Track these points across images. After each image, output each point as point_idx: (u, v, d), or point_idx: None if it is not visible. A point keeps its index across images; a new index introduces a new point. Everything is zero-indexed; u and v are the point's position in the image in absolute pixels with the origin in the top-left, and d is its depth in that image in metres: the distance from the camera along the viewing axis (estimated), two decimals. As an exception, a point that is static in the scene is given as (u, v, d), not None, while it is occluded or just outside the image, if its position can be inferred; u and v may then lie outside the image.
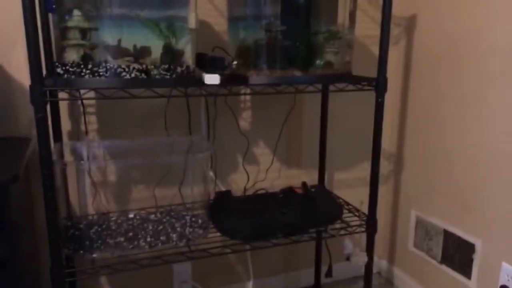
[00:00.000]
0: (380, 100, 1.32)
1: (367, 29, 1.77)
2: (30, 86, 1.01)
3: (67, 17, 1.08)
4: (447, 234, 1.70)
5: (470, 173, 1.57)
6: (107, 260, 1.21)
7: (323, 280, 1.85)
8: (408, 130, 1.87)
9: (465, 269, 1.63)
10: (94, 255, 1.18)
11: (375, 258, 2.08)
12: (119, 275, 1.61)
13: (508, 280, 1.46)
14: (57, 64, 1.10)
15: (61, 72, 1.08)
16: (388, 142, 1.97)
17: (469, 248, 1.60)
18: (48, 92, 1.05)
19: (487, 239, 1.53)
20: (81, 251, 1.19)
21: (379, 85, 1.30)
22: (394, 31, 1.86)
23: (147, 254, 1.21)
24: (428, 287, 1.82)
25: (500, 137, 1.44)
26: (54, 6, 1.06)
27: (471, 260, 1.60)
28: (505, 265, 1.47)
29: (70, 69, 1.08)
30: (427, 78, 1.74)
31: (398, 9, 1.82)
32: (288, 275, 1.92)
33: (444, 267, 1.73)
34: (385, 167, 1.99)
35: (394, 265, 2.03)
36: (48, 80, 1.07)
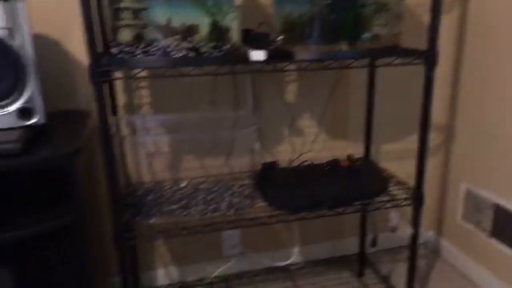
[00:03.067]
0: (430, 74, 1.28)
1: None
2: (89, 66, 1.08)
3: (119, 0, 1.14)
4: (498, 208, 1.66)
5: (525, 146, 1.51)
6: (162, 225, 1.31)
7: (368, 249, 1.88)
8: (461, 100, 1.80)
9: (515, 243, 1.60)
10: (151, 221, 1.28)
11: (422, 229, 2.08)
12: (173, 239, 1.73)
13: (561, 257, 1.42)
14: (111, 44, 1.16)
15: (116, 52, 1.15)
16: (439, 113, 1.91)
17: (521, 223, 1.56)
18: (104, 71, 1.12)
19: (540, 214, 1.49)
20: (139, 217, 1.30)
21: (429, 59, 1.27)
22: (449, -3, 1.77)
23: (198, 222, 1.29)
24: (477, 260, 1.80)
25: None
26: (108, -11, 1.11)
27: (522, 235, 1.56)
28: (558, 241, 1.43)
29: (124, 49, 1.14)
30: (482, 48, 1.65)
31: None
32: (333, 243, 1.97)
33: (493, 241, 1.70)
34: (435, 138, 1.94)
35: (441, 237, 2.02)
36: (103, 60, 1.14)
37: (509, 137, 1.58)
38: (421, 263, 1.95)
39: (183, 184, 1.50)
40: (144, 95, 1.56)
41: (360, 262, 1.86)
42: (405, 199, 1.39)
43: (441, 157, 1.95)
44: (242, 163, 1.62)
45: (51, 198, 1.17)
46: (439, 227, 2.03)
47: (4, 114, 1.11)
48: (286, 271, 1.88)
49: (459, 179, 1.87)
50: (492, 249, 1.71)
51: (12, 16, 1.08)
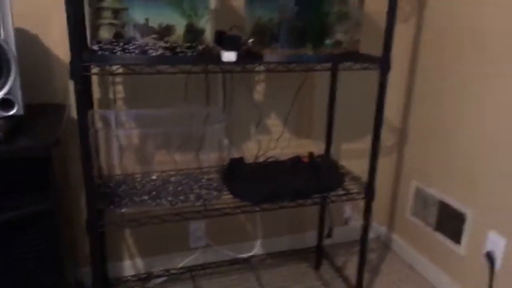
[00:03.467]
0: (383, 78, 1.42)
1: (379, 4, 1.84)
2: (71, 62, 1.14)
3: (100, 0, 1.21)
4: (442, 204, 1.84)
5: (466, 149, 1.69)
6: (133, 214, 1.38)
7: (325, 241, 2.01)
8: (414, 105, 1.97)
9: (456, 236, 1.77)
10: (123, 210, 1.35)
11: (375, 224, 2.24)
12: (142, 230, 1.80)
13: (493, 246, 1.60)
14: (92, 41, 1.23)
15: (96, 48, 1.21)
16: (393, 116, 2.08)
17: (461, 217, 1.74)
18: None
19: (476, 209, 1.66)
20: (112, 206, 1.36)
21: (382, 65, 1.41)
22: (406, 8, 1.93)
23: (168, 211, 1.37)
24: (422, 252, 1.98)
25: (497, 118, 1.55)
26: (91, -11, 1.17)
27: (462, 228, 1.74)
28: (491, 233, 1.61)
29: (104, 46, 1.21)
30: (434, 56, 1.83)
31: (409, -12, 1.89)
32: (293, 237, 2.09)
33: (437, 234, 1.88)
34: (389, 139, 2.11)
35: (392, 232, 2.19)
36: (84, 56, 1.20)
37: (453, 141, 1.75)
38: (373, 256, 2.11)
39: (153, 177, 1.57)
40: (119, 90, 1.62)
41: (317, 255, 1.99)
42: (358, 193, 1.52)
43: (394, 157, 2.12)
44: (211, 158, 1.70)
45: (28, 186, 1.22)
46: (390, 223, 2.20)
47: (-16, 104, 1.16)
48: (248, 263, 1.98)
49: (410, 178, 2.04)
50: (436, 242, 1.89)
51: (-5, 9, 1.13)
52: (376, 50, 1.48)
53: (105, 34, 1.22)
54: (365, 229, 1.55)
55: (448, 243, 1.82)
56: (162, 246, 1.88)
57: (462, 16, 1.66)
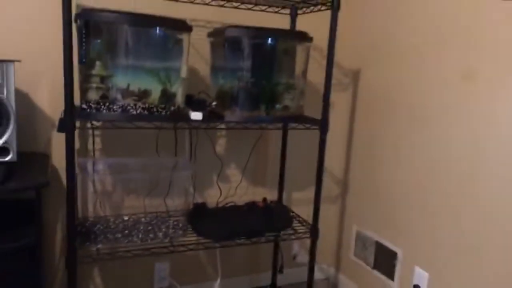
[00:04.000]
0: (323, 137, 1.74)
1: (319, 77, 2.21)
2: (63, 118, 1.38)
3: (90, 67, 1.47)
4: (378, 245, 2.12)
5: (393, 198, 2.01)
6: (107, 249, 1.56)
7: (279, 281, 2.22)
8: (353, 160, 2.30)
9: (390, 272, 2.04)
10: (99, 246, 1.53)
11: (324, 266, 2.49)
12: (109, 270, 1.95)
13: (419, 280, 1.88)
14: (82, 101, 1.47)
15: (85, 107, 1.46)
16: (337, 170, 2.40)
17: (393, 255, 2.02)
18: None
19: (405, 249, 1.95)
20: (88, 243, 1.55)
21: (322, 126, 1.73)
22: (344, 80, 2.31)
23: (138, 247, 1.57)
24: (364, 289, 2.23)
25: (415, 172, 1.89)
26: (84, 60, 1.44)
27: (394, 265, 2.02)
28: (417, 268, 1.89)
29: (92, 105, 1.46)
30: (369, 119, 2.19)
31: (347, 62, 2.28)
32: (250, 277, 2.29)
33: (375, 272, 2.14)
34: (334, 190, 2.41)
35: (339, 272, 2.44)
36: (75, 113, 1.44)
37: (383, 192, 2.07)
38: (322, 294, 2.33)
39: (125, 217, 1.77)
40: (97, 141, 1.84)
41: (272, 293, 2.20)
42: (305, 232, 1.78)
43: (338, 205, 2.41)
44: (177, 203, 1.93)
45: (17, 222, 1.40)
46: (337, 264, 2.45)
47: (-15, 151, 1.36)
48: (209, 300, 2.16)
49: (351, 223, 2.32)
50: (374, 279, 2.15)
51: (2, 74, 1.36)
52: (318, 113, 1.80)
53: (93, 95, 1.48)
54: (312, 262, 1.79)
55: (384, 279, 2.08)
56: (128, 285, 2.03)
57: (389, 86, 2.04)
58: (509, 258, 1.50)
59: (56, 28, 1.67)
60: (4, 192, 1.30)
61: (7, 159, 1.40)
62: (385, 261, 2.08)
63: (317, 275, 2.48)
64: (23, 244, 1.35)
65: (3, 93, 1.37)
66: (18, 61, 1.43)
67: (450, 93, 1.72)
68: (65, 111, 1.39)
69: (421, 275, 1.87)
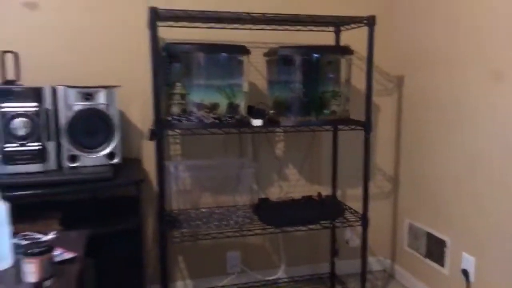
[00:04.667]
0: (367, 136, 1.99)
1: (362, 84, 2.45)
2: (153, 129, 1.77)
3: (173, 88, 1.86)
4: (428, 235, 2.30)
5: (441, 191, 2.19)
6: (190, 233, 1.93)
7: (337, 271, 2.47)
8: (402, 158, 2.50)
9: (440, 259, 2.21)
10: (183, 230, 1.90)
11: (381, 258, 2.69)
12: (190, 258, 2.32)
13: (467, 265, 2.04)
14: (166, 114, 1.86)
15: (170, 119, 1.84)
16: (388, 168, 2.61)
17: (442, 243, 2.19)
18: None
19: (453, 237, 2.12)
20: (175, 228, 1.92)
21: (366, 126, 1.98)
22: (389, 85, 2.54)
23: (215, 232, 1.91)
24: (417, 276, 2.40)
25: (460, 166, 2.07)
26: (168, 82, 1.83)
27: (444, 253, 2.19)
28: (464, 254, 2.05)
29: (175, 117, 1.84)
30: (415, 119, 2.39)
31: (392, 69, 2.51)
32: (310, 265, 2.56)
33: (427, 260, 2.32)
34: (386, 187, 2.62)
35: (395, 263, 2.62)
36: (164, 124, 1.83)
37: (432, 184, 2.26)
38: (379, 284, 2.53)
39: (203, 210, 2.14)
40: (176, 148, 2.24)
41: (331, 280, 2.44)
42: (356, 220, 2.03)
43: (391, 200, 2.61)
44: (243, 198, 2.26)
45: (123, 211, 1.80)
46: (393, 255, 2.64)
47: (99, 156, 1.78)
48: (274, 284, 2.45)
49: (404, 216, 2.51)
50: (427, 267, 2.32)
51: (109, 97, 1.79)
52: (364, 116, 2.05)
53: (175, 109, 1.86)
54: (364, 249, 2.03)
55: (436, 266, 2.25)
56: (205, 271, 2.39)
57: (433, 87, 2.24)
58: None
59: (142, 58, 2.10)
60: (114, 186, 1.71)
61: (114, 161, 1.81)
62: (435, 249, 2.25)
63: (375, 266, 2.69)
64: (129, 228, 1.75)
65: (109, 111, 1.79)
66: (119, 86, 1.85)
67: (489, 91, 1.90)
68: (156, 122, 1.78)
69: (468, 260, 2.03)
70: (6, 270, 1.14)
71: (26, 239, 1.30)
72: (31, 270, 1.03)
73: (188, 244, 2.34)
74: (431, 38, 2.22)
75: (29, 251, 1.03)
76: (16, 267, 1.15)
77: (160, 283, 2.11)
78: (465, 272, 2.04)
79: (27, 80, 1.89)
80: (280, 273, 2.48)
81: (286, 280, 2.49)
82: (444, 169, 2.16)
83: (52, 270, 1.07)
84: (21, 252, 1.07)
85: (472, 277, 2.01)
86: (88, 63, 2.07)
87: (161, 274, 1.95)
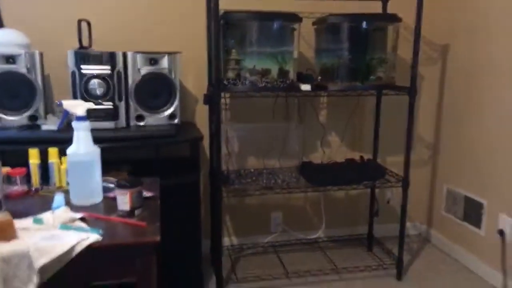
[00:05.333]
0: (411, 101, 2.08)
1: (409, 52, 2.52)
2: (208, 94, 1.92)
3: (228, 54, 2.00)
4: (466, 199, 2.39)
5: (479, 156, 2.27)
6: (241, 189, 2.10)
7: (375, 233, 2.60)
8: (442, 126, 2.58)
9: (477, 221, 2.31)
10: (236, 186, 2.07)
11: (417, 223, 2.80)
12: (237, 218, 2.50)
13: (503, 225, 2.13)
14: (223, 79, 2.01)
15: (226, 83, 1.99)
16: (428, 135, 2.69)
17: (479, 206, 2.28)
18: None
19: (490, 199, 2.21)
20: (228, 184, 2.09)
21: (410, 92, 2.07)
22: (434, 54, 2.59)
23: (263, 187, 2.08)
24: (454, 240, 2.51)
25: (496, 131, 2.14)
26: (225, 49, 1.98)
27: (481, 215, 2.28)
28: (501, 215, 2.14)
29: (231, 81, 1.99)
30: (456, 88, 2.45)
31: (437, 38, 2.56)
32: (349, 228, 2.70)
33: (464, 223, 2.41)
34: (425, 154, 2.71)
35: (431, 227, 2.73)
36: (221, 87, 1.98)
37: (471, 151, 2.33)
38: (414, 246, 2.65)
39: (251, 170, 2.30)
40: (226, 114, 2.40)
41: (369, 241, 2.58)
42: (397, 181, 2.15)
43: (430, 166, 2.70)
44: (288, 162, 2.41)
45: (184, 166, 1.99)
46: (429, 220, 2.75)
47: (163, 116, 1.96)
48: (314, 243, 2.61)
49: (442, 182, 2.60)
50: (463, 230, 2.42)
51: (171, 62, 1.95)
52: (408, 82, 2.14)
53: (231, 74, 2.01)
54: (404, 208, 2.15)
55: (472, 228, 2.35)
56: (250, 229, 2.57)
57: (475, 57, 2.30)
58: None
59: (198, 28, 2.25)
60: (177, 142, 1.89)
61: (175, 121, 1.99)
62: (473, 212, 2.34)
63: (411, 231, 2.80)
64: (189, 180, 1.93)
65: (171, 75, 1.96)
66: (181, 52, 2.01)
67: (528, 58, 1.95)
68: (215, 85, 1.93)
69: (505, 221, 2.12)
70: (98, 204, 1.33)
71: (107, 182, 1.50)
72: (125, 200, 1.21)
73: (235, 204, 2.52)
74: (475, 7, 2.26)
75: (124, 183, 1.22)
76: (105, 202, 1.34)
77: (211, 237, 2.32)
78: (501, 232, 2.13)
79: (97, 47, 2.07)
80: (320, 233, 2.63)
81: (325, 240, 2.65)
82: (483, 135, 2.23)
83: (141, 201, 1.25)
84: (115, 186, 1.26)
85: (508, 237, 2.11)
86: (151, 32, 2.24)
87: (212, 227, 2.14)
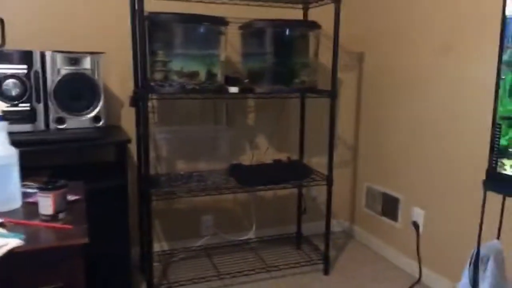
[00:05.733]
0: (332, 103, 2.20)
1: (329, 58, 2.66)
2: (134, 96, 1.88)
3: (155, 56, 1.98)
4: (384, 195, 2.57)
5: (395, 155, 2.46)
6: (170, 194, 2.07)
7: (303, 231, 2.70)
8: (361, 129, 2.76)
9: (394, 215, 2.49)
10: (165, 189, 2.04)
11: (341, 220, 2.95)
12: (165, 222, 2.46)
13: (417, 217, 2.32)
14: (150, 80, 1.98)
15: (153, 85, 1.97)
16: (348, 138, 2.85)
17: (396, 201, 2.47)
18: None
19: (405, 194, 2.40)
20: (156, 188, 2.05)
21: (331, 95, 2.19)
22: (351, 62, 2.77)
23: (194, 189, 2.07)
24: (374, 234, 2.68)
25: (411, 132, 2.34)
26: (151, 50, 1.95)
27: (397, 209, 2.46)
28: (415, 208, 2.34)
29: (158, 83, 1.96)
30: (372, 93, 2.64)
31: (353, 46, 2.74)
32: (279, 227, 2.77)
33: (383, 218, 2.59)
34: (347, 154, 2.87)
35: (353, 224, 2.89)
36: (147, 89, 1.94)
37: (386, 151, 2.52)
38: (339, 242, 2.79)
39: (181, 172, 2.28)
40: (153, 117, 2.35)
41: (297, 239, 2.67)
42: (322, 180, 2.26)
43: (351, 167, 2.87)
44: (217, 164, 2.42)
45: (109, 169, 1.92)
46: (352, 217, 2.91)
47: (85, 119, 1.88)
48: (245, 245, 2.65)
49: (363, 181, 2.78)
50: (382, 223, 2.60)
51: (94, 62, 1.88)
52: (329, 86, 2.26)
53: (159, 76, 1.98)
54: (328, 206, 2.26)
55: (390, 221, 2.53)
56: (180, 234, 2.54)
57: (389, 64, 2.49)
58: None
59: (123, 29, 2.20)
60: (101, 145, 1.82)
61: (99, 124, 1.92)
62: (390, 207, 2.53)
63: (335, 228, 2.94)
64: (116, 184, 1.87)
65: (95, 77, 1.89)
66: (104, 52, 1.94)
67: (438, 63, 2.17)
68: (142, 86, 1.90)
69: (418, 213, 2.31)
70: (17, 209, 1.25)
71: (26, 187, 1.41)
72: (47, 203, 1.15)
73: (164, 208, 2.47)
74: (389, 16, 2.47)
75: (47, 186, 1.15)
76: (25, 207, 1.26)
77: (140, 244, 2.25)
78: (415, 224, 2.33)
79: (12, 46, 1.94)
80: (251, 234, 2.67)
81: (256, 240, 2.69)
82: (397, 136, 2.43)
83: (65, 205, 1.19)
84: (37, 188, 1.19)
85: (421, 228, 2.30)
86: (71, 30, 2.14)
87: (141, 233, 2.08)
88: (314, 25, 2.20)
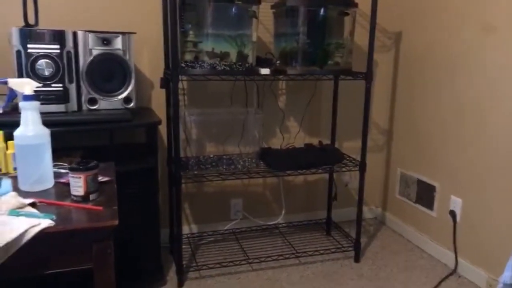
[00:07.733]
0: (368, 86, 2.11)
1: (365, 39, 2.56)
2: (165, 77, 1.85)
3: (186, 36, 1.94)
4: (419, 182, 2.47)
5: (431, 140, 2.35)
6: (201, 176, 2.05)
7: (333, 217, 2.64)
8: (397, 112, 2.65)
9: (429, 204, 2.40)
10: (195, 172, 2.02)
11: (372, 207, 2.87)
12: (196, 204, 2.45)
13: (454, 206, 2.22)
14: (180, 61, 1.95)
15: (183, 66, 1.93)
16: (382, 122, 2.75)
17: (432, 189, 2.37)
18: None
19: (442, 182, 2.30)
20: (187, 170, 2.04)
21: (367, 77, 2.10)
22: (387, 42, 2.65)
23: (224, 173, 2.04)
24: (407, 222, 2.60)
25: (448, 117, 2.22)
26: (183, 29, 1.91)
27: (433, 197, 2.37)
28: (452, 197, 2.24)
29: (188, 64, 1.93)
30: (409, 75, 2.52)
31: (390, 26, 2.62)
32: (308, 213, 2.72)
33: (417, 205, 2.50)
34: (380, 139, 2.78)
35: (386, 210, 2.81)
36: (179, 70, 1.91)
37: (423, 136, 2.41)
38: (370, 229, 2.73)
39: (211, 155, 2.26)
40: (183, 98, 2.33)
41: (327, 225, 2.62)
42: (354, 166, 2.18)
43: (385, 152, 2.77)
44: (247, 147, 2.38)
45: (141, 152, 1.91)
46: (384, 204, 2.83)
47: (117, 100, 1.87)
48: (274, 229, 2.62)
49: (396, 166, 2.68)
50: (416, 211, 2.51)
51: (126, 42, 1.86)
52: (365, 69, 2.17)
53: (188, 57, 1.95)
54: (361, 193, 2.19)
55: (425, 210, 2.44)
56: (209, 217, 2.53)
57: (427, 44, 2.37)
58: (525, 175, 1.82)
59: (154, 9, 2.16)
60: (133, 126, 1.81)
61: (130, 105, 1.91)
62: (425, 194, 2.43)
63: (367, 215, 2.88)
64: (146, 166, 1.86)
65: (126, 57, 1.87)
66: (135, 33, 1.92)
67: (480, 45, 2.04)
68: (172, 67, 1.86)
69: (456, 202, 2.22)
70: (49, 190, 1.25)
71: (58, 167, 1.41)
72: (79, 184, 1.14)
73: (193, 191, 2.47)
74: (428, -5, 2.33)
75: (79, 166, 1.14)
76: (57, 187, 1.26)
77: (169, 226, 2.26)
78: (452, 213, 2.23)
79: (45, 25, 1.94)
80: (280, 219, 2.64)
81: (285, 225, 2.66)
82: (435, 120, 2.31)
83: (96, 186, 1.18)
84: (68, 169, 1.18)
85: (458, 217, 2.20)
86: (103, 10, 2.13)
87: (171, 215, 2.08)
88: (350, 3, 2.10)
